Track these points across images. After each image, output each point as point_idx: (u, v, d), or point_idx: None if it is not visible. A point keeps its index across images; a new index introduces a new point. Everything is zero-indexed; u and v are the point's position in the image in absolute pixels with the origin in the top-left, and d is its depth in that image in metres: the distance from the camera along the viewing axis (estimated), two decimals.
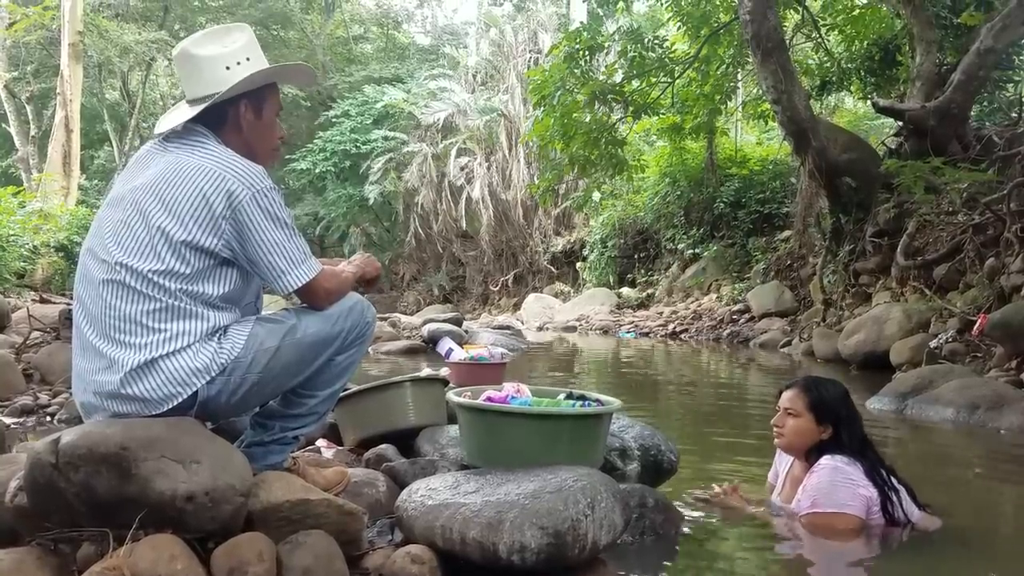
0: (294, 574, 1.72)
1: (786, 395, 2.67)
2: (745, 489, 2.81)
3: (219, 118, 2.02)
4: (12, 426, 4.03)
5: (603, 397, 2.51)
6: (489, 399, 2.41)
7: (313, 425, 2.14)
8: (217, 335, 1.89)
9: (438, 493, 2.04)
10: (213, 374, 1.85)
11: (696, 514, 2.67)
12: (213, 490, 1.69)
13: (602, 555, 2.02)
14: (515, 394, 2.47)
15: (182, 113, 2.04)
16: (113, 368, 1.83)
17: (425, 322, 10.81)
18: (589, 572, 1.95)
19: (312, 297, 2.02)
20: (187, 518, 1.68)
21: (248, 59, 2.04)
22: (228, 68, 2.01)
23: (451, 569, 1.94)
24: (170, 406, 1.83)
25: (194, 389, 1.84)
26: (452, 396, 2.46)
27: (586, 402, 2.44)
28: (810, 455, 2.60)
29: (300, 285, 1.96)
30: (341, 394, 2.65)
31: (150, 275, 1.84)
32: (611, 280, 18.56)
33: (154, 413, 1.83)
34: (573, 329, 15.61)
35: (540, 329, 16.20)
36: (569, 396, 2.50)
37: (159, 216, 1.87)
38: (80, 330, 1.93)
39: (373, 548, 2.03)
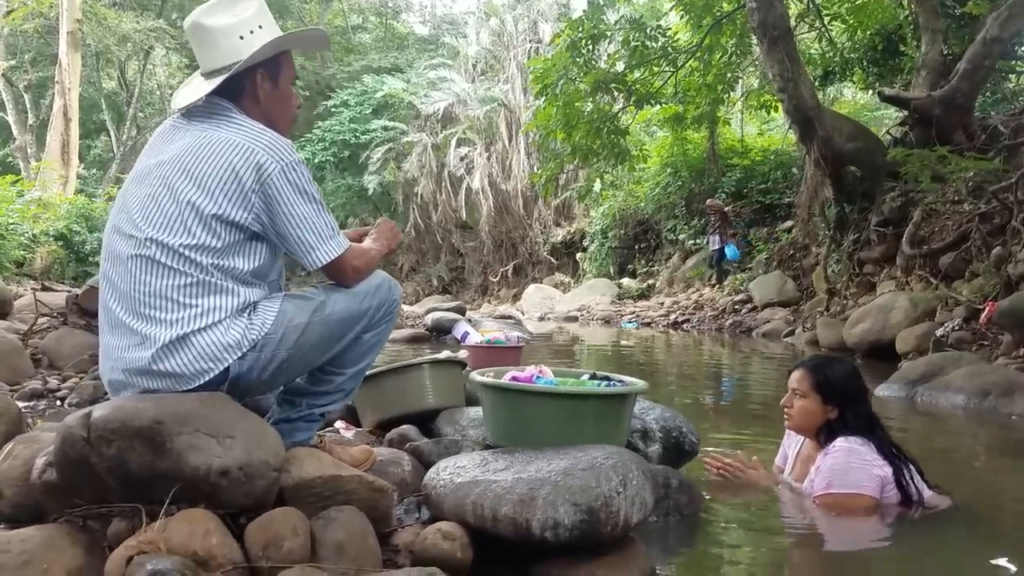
0: (328, 549, 1.71)
1: (794, 375, 2.68)
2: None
3: (237, 89, 1.99)
4: (23, 410, 4.01)
5: (627, 378, 2.50)
6: (514, 379, 2.40)
7: (340, 402, 2.13)
8: (247, 311, 1.88)
9: (467, 471, 2.02)
10: (244, 350, 1.84)
11: (718, 495, 2.66)
12: (247, 465, 1.67)
13: (631, 534, 2.01)
14: (539, 374, 2.46)
15: (199, 86, 2.00)
16: (145, 344, 1.81)
17: (428, 311, 10.80)
18: (620, 550, 1.94)
19: (340, 274, 2.00)
20: (221, 493, 1.67)
21: (261, 27, 2.00)
22: (242, 37, 1.97)
23: (481, 545, 1.92)
24: (202, 381, 1.82)
25: (226, 365, 1.82)
26: (476, 376, 2.44)
27: (611, 382, 2.43)
28: (819, 435, 2.60)
29: (329, 261, 1.94)
30: None
31: (181, 250, 1.82)
32: (611, 271, 18.56)
33: (185, 389, 1.81)
34: (574, 319, 15.61)
35: (541, 319, 16.19)
36: (593, 376, 2.49)
37: (188, 190, 1.85)
38: (108, 308, 1.91)
39: (402, 526, 2.02)
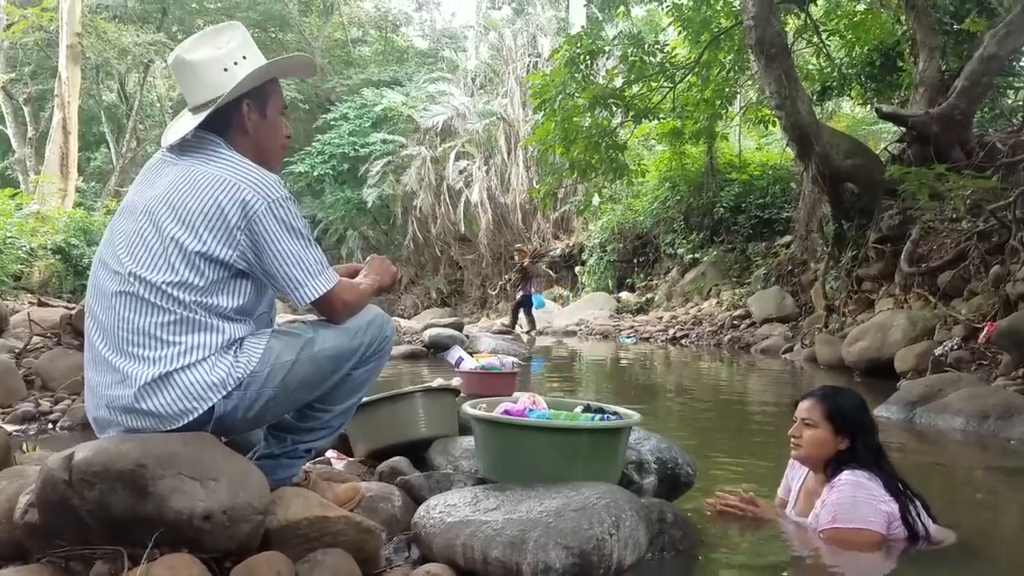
0: None
1: (803, 405, 2.63)
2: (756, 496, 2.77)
3: (225, 122, 1.97)
4: (14, 433, 3.97)
5: (621, 410, 2.47)
6: (506, 412, 2.37)
7: (328, 439, 2.10)
8: (233, 348, 1.85)
9: (457, 510, 1.99)
10: (230, 388, 1.81)
11: (714, 530, 2.62)
12: (231, 508, 1.64)
13: (625, 575, 1.97)
14: (532, 406, 2.42)
15: (187, 122, 1.98)
16: (127, 382, 1.78)
17: (426, 327, 10.76)
18: None
19: (329, 310, 1.97)
20: (204, 537, 1.64)
21: (245, 58, 1.98)
22: (226, 70, 1.95)
23: None
24: (186, 421, 1.79)
25: (211, 404, 1.79)
26: (468, 408, 2.41)
27: (604, 415, 2.40)
28: (827, 467, 2.56)
29: (317, 297, 1.91)
30: None
31: (164, 287, 1.80)
32: (610, 284, 18.53)
33: (169, 428, 1.78)
34: (573, 334, 15.56)
35: (540, 334, 16.14)
36: (587, 409, 2.46)
37: (172, 227, 1.82)
38: (92, 343, 1.88)
39: (391, 566, 1.98)
